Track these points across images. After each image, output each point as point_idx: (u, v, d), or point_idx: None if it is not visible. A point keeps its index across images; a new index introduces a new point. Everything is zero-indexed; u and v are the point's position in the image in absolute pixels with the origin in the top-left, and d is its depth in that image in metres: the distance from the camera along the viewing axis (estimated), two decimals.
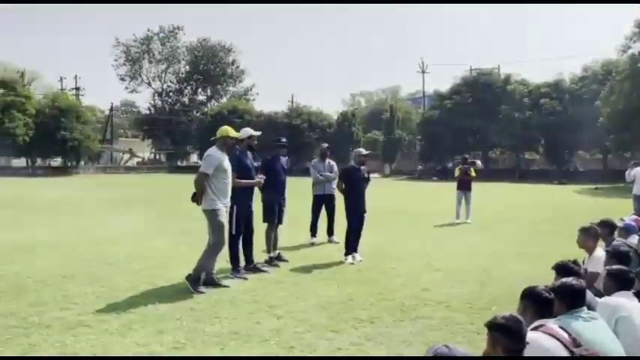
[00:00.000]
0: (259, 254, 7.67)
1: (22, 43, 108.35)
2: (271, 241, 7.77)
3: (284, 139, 8.22)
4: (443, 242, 10.03)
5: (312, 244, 9.52)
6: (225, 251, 6.79)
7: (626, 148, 33.40)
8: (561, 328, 2.98)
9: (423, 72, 55.56)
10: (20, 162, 48.85)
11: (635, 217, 7.60)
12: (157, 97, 67.49)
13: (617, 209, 12.38)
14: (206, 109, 63.99)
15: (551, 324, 2.97)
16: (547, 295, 3.05)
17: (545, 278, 4.42)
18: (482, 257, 8.44)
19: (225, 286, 6.36)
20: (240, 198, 6.95)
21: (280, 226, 8.04)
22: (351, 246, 8.10)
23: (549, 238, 10.23)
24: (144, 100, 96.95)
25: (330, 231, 9.84)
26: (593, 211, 13.01)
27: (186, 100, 67.90)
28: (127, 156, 60.44)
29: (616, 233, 6.21)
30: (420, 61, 55.71)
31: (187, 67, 67.37)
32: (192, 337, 4.61)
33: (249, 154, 7.27)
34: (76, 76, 59.50)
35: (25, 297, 5.84)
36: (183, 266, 6.63)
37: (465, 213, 13.28)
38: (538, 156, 48.07)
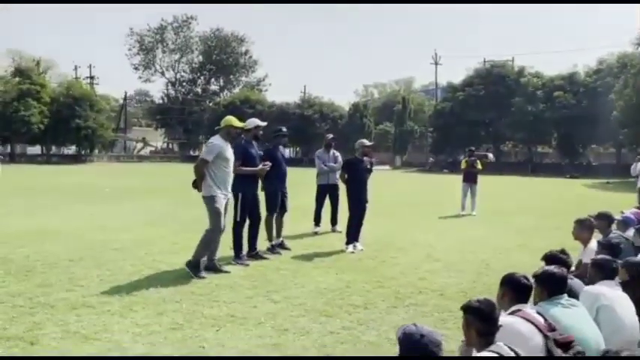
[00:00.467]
0: (261, 242, 7.81)
1: (37, 32, 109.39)
2: (272, 229, 7.92)
3: (284, 129, 8.31)
4: (446, 233, 10.11)
5: (316, 233, 9.65)
6: (227, 238, 6.95)
7: (639, 142, 33.06)
8: (539, 313, 3.07)
9: (436, 64, 55.21)
10: (35, 150, 49.59)
11: (636, 210, 7.63)
12: (170, 87, 68.07)
13: (626, 203, 12.31)
14: (219, 99, 64.32)
15: (528, 309, 3.07)
16: (525, 281, 3.14)
17: None
18: (483, 249, 8.52)
19: (226, 272, 6.52)
20: (246, 186, 7.11)
21: (285, 214, 8.20)
22: (353, 235, 8.21)
23: (553, 231, 10.25)
24: (157, 89, 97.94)
25: (334, 220, 9.97)
26: (600, 206, 12.89)
27: (199, 90, 68.34)
28: (140, 145, 61.09)
29: (614, 226, 6.27)
30: (434, 52, 55.29)
31: (200, 57, 67.75)
32: (190, 319, 4.77)
33: (254, 143, 7.42)
34: (90, 65, 60.20)
35: (33, 279, 6.05)
36: (187, 252, 6.77)
37: (470, 205, 13.32)
38: (551, 149, 47.75)
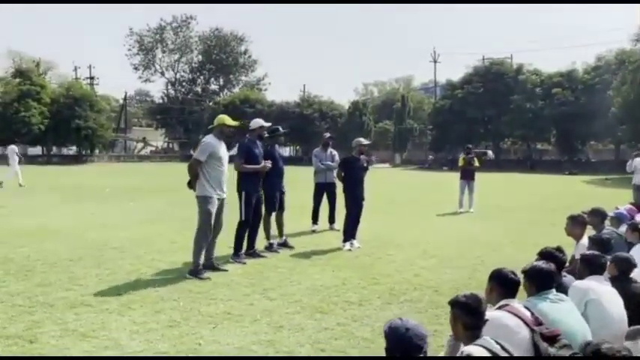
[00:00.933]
0: (260, 241, 7.86)
1: (37, 33, 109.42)
2: (270, 228, 7.97)
3: (281, 128, 8.38)
4: (442, 230, 10.17)
5: (314, 232, 9.71)
6: (226, 237, 7.00)
7: (638, 139, 33.05)
8: (526, 308, 3.13)
9: (435, 61, 55.28)
10: (36, 150, 49.58)
11: (630, 206, 7.67)
12: (170, 87, 68.05)
13: (624, 200, 12.34)
14: (218, 99, 64.23)
15: (516, 303, 3.12)
16: (512, 277, 3.19)
17: None
18: (479, 245, 8.58)
19: (224, 270, 6.57)
20: (249, 184, 7.17)
21: (284, 213, 8.26)
22: (350, 233, 8.27)
23: (549, 227, 10.27)
24: (157, 89, 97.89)
25: (332, 219, 10.03)
26: (597, 202, 12.92)
27: (199, 89, 68.32)
28: (140, 145, 61.08)
29: (607, 222, 6.32)
30: (433, 50, 55.32)
31: (200, 57, 67.73)
32: (187, 317, 4.84)
33: (258, 143, 7.48)
34: (90, 66, 60.15)
35: (33, 278, 6.11)
36: (186, 251, 6.85)
37: (468, 202, 13.37)
38: (550, 146, 47.77)
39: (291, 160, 38.72)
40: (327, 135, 10.54)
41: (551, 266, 3.49)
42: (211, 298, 5.41)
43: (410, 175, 34.67)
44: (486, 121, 44.75)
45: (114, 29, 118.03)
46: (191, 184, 6.58)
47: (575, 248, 5.51)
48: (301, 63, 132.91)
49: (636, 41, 32.03)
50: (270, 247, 7.88)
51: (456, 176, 14.62)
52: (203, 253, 6.42)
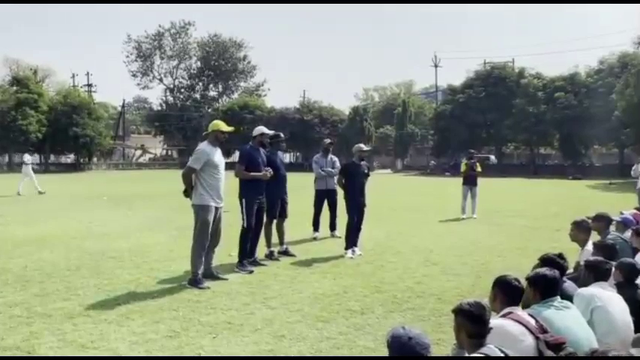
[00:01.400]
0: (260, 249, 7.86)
1: (34, 41, 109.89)
2: (271, 236, 7.96)
3: (282, 134, 8.40)
4: (445, 237, 10.16)
5: (315, 239, 9.71)
6: (225, 245, 7.00)
7: None
8: (530, 315, 3.12)
9: (436, 66, 55.46)
10: (33, 159, 49.67)
11: (635, 211, 7.66)
12: (168, 94, 68.25)
13: (628, 204, 12.35)
14: (217, 105, 64.51)
15: (520, 311, 3.11)
16: (516, 283, 3.19)
17: None
18: (482, 251, 8.57)
19: (223, 279, 6.55)
20: (250, 191, 7.16)
21: (286, 221, 8.26)
22: (351, 240, 8.27)
23: (554, 233, 10.30)
24: (156, 96, 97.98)
25: (333, 226, 10.02)
26: (602, 207, 12.95)
27: (197, 96, 68.49)
28: (138, 152, 61.27)
29: (612, 227, 6.31)
30: (433, 55, 55.49)
31: (199, 63, 67.96)
32: (186, 327, 4.83)
33: (261, 150, 7.48)
34: (88, 73, 60.38)
35: (30, 288, 6.11)
36: (184, 260, 6.84)
37: (470, 208, 13.37)
38: (553, 151, 47.78)
39: (292, 167, 38.68)
40: (328, 141, 10.55)
41: (556, 273, 3.49)
42: (211, 308, 5.40)
43: (412, 180, 34.67)
44: (488, 126, 44.80)
45: (112, 36, 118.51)
46: (187, 193, 6.52)
47: (580, 254, 5.48)
48: (301, 68, 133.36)
49: (639, 44, 32.07)
50: (270, 255, 7.87)
51: (458, 181, 14.63)
52: (202, 261, 6.39)
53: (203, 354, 4.22)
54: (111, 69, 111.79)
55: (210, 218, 6.39)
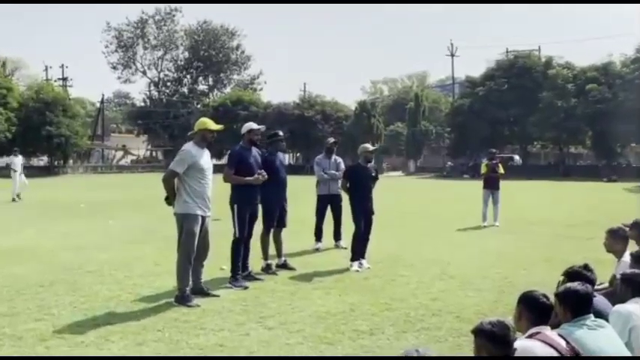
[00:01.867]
0: (256, 261, 7.87)
1: (2, 29, 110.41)
2: (268, 247, 7.96)
3: (281, 133, 8.36)
4: (463, 247, 10.17)
5: (317, 250, 9.71)
6: (214, 258, 7.01)
7: None
8: (560, 336, 3.11)
9: (453, 55, 55.50)
10: (1, 161, 49.85)
11: None
12: (152, 88, 68.54)
13: None
14: (208, 100, 64.76)
15: (548, 331, 3.10)
16: (544, 300, 3.18)
17: None
18: (505, 263, 8.57)
19: (215, 296, 6.56)
20: (241, 197, 7.15)
21: (284, 230, 8.26)
22: (358, 251, 8.27)
23: (585, 242, 10.29)
24: (138, 91, 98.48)
25: (337, 235, 10.02)
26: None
27: (185, 90, 68.82)
28: (119, 154, 61.45)
29: None
30: (449, 42, 55.54)
31: (186, 54, 68.31)
32: (173, 349, 4.84)
33: (253, 150, 7.43)
34: (62, 65, 60.57)
35: None
36: (171, 275, 6.82)
37: (492, 215, 13.36)
38: (585, 150, 47.80)
39: (291, 169, 38.62)
40: (331, 140, 10.56)
41: (589, 288, 3.48)
42: (201, 328, 5.40)
43: (426, 184, 34.70)
44: (512, 122, 44.84)
45: (89, 24, 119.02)
46: (169, 200, 6.48)
47: (616, 266, 5.48)
48: (301, 59, 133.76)
49: None
50: (267, 269, 7.86)
51: (478, 185, 14.63)
52: (189, 276, 6.38)
53: None
54: (88, 61, 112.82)
55: (197, 229, 6.33)
